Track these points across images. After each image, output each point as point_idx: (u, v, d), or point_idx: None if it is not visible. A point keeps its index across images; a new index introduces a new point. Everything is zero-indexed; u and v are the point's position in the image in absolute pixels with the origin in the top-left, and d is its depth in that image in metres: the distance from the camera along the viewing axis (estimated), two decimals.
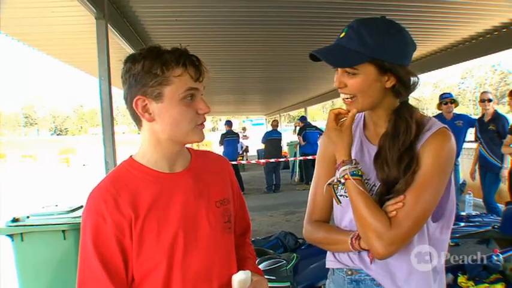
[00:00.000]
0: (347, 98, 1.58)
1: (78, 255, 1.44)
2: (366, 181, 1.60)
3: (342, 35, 1.56)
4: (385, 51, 1.50)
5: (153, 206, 1.45)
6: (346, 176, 1.53)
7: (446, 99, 7.03)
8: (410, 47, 1.56)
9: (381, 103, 1.59)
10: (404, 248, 1.52)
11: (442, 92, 7.71)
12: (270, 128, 15.22)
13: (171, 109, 1.44)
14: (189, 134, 1.48)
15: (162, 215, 1.46)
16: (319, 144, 1.85)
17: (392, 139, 1.55)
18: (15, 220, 4.09)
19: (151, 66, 1.41)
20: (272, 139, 14.25)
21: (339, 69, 1.56)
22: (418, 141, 1.53)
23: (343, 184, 1.56)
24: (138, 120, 1.51)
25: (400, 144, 1.52)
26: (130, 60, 1.47)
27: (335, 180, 1.60)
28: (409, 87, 1.58)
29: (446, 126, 1.57)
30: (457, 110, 7.20)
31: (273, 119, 16.74)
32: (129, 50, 6.06)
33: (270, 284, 4.01)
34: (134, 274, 1.45)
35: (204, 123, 1.52)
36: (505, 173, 6.22)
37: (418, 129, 1.54)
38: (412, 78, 1.57)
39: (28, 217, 4.16)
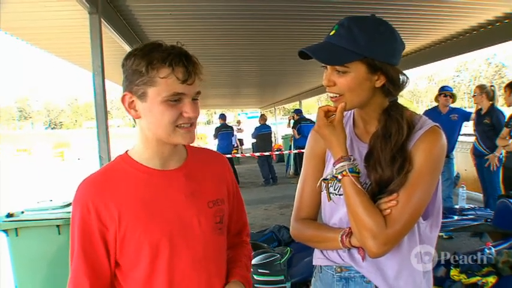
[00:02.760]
0: (334, 96, 1.57)
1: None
2: None
3: (332, 33, 1.54)
4: (376, 49, 1.49)
5: (141, 204, 1.45)
6: (344, 173, 1.51)
7: (446, 92, 7.07)
8: (399, 46, 1.56)
9: (369, 102, 1.58)
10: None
11: (439, 85, 7.76)
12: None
13: (153, 109, 1.40)
14: (171, 135, 1.44)
15: (149, 214, 1.45)
16: (308, 140, 1.84)
17: (384, 140, 1.54)
18: (9, 215, 4.09)
19: (138, 64, 1.38)
20: (262, 134, 14.30)
21: (329, 67, 1.54)
22: (409, 141, 1.53)
23: (339, 180, 1.54)
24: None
25: (393, 145, 1.52)
26: (127, 55, 1.44)
27: (330, 176, 1.58)
28: (399, 86, 1.57)
29: (437, 124, 1.57)
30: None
31: (262, 114, 16.76)
32: (123, 45, 6.05)
33: (263, 278, 4.06)
34: (118, 269, 1.48)
35: (192, 124, 1.47)
36: (494, 160, 6.25)
37: (409, 129, 1.54)
38: (401, 77, 1.57)
39: (23, 212, 4.18)
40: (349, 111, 1.74)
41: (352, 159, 1.53)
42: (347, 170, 1.51)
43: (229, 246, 1.72)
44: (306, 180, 1.79)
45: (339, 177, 1.53)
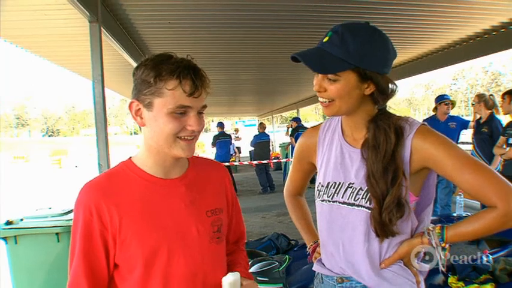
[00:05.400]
0: (324, 102, 1.61)
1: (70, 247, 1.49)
2: (351, 185, 1.63)
3: (325, 40, 1.56)
4: (367, 60, 1.51)
5: (141, 210, 1.47)
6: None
7: (447, 100, 7.13)
8: (391, 55, 1.58)
9: (358, 109, 1.62)
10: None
11: (437, 94, 7.83)
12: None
13: (158, 119, 1.43)
14: (172, 146, 1.46)
15: (150, 220, 1.47)
16: (297, 143, 1.96)
17: (374, 151, 1.57)
18: (9, 223, 4.10)
19: (147, 75, 1.41)
20: (261, 142, 14.30)
21: (320, 74, 1.57)
22: (402, 147, 1.56)
23: None
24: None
25: (382, 156, 1.54)
26: (138, 65, 1.48)
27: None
28: (387, 95, 1.60)
29: (423, 123, 1.60)
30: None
31: (261, 122, 16.78)
32: (123, 53, 6.08)
33: (262, 286, 4.06)
34: (116, 271, 1.50)
35: (193, 138, 1.49)
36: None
37: (397, 137, 1.56)
38: (390, 86, 1.59)
39: (22, 220, 4.18)
40: (337, 119, 1.79)
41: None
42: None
43: (228, 253, 1.75)
44: (292, 173, 2.07)
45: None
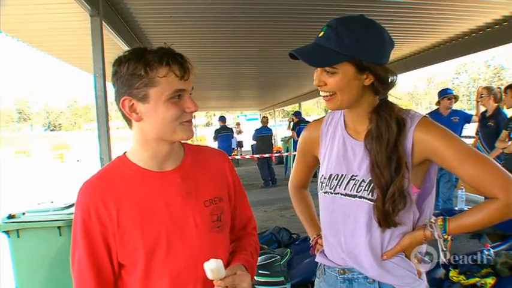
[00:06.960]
0: (326, 96, 1.62)
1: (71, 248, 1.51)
2: (353, 177, 1.64)
3: (321, 34, 1.58)
4: (363, 50, 1.52)
5: (138, 205, 1.49)
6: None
7: (450, 95, 7.09)
8: (388, 46, 1.59)
9: (359, 100, 1.62)
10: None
11: (439, 88, 7.77)
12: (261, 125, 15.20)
13: (157, 109, 1.43)
14: (176, 131, 1.47)
15: (147, 214, 1.49)
16: (300, 137, 1.97)
17: (378, 141, 1.57)
18: (11, 217, 4.11)
19: (135, 68, 1.41)
20: (262, 136, 14.29)
21: (318, 68, 1.59)
22: (404, 139, 1.56)
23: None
24: (128, 120, 1.52)
25: (385, 145, 1.55)
26: (116, 63, 1.46)
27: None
28: (388, 85, 1.60)
29: (425, 115, 1.61)
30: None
31: (263, 116, 16.77)
32: (124, 47, 6.07)
33: (264, 279, 4.07)
34: (122, 270, 1.52)
35: (191, 120, 1.52)
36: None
37: (399, 127, 1.57)
38: (390, 77, 1.60)
39: (24, 213, 4.19)
40: (339, 112, 1.79)
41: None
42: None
43: (235, 239, 1.76)
44: (297, 165, 2.08)
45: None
